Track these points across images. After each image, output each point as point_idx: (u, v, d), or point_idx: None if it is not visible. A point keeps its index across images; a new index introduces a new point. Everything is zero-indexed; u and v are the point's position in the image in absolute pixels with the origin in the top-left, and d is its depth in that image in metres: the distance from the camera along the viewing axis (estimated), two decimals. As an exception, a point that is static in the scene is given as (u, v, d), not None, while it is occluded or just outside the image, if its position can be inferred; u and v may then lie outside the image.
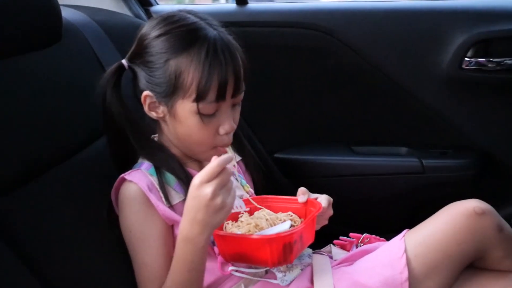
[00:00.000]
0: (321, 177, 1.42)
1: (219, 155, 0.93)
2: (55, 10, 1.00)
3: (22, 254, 0.75)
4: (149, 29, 0.89)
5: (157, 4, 1.51)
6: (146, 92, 0.89)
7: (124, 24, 1.31)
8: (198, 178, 0.75)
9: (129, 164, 0.95)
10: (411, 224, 0.99)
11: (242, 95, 0.92)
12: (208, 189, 0.74)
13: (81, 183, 0.93)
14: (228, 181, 0.77)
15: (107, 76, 0.91)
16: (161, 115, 0.90)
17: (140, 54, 0.89)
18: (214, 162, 0.75)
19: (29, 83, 0.91)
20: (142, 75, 0.89)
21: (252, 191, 1.08)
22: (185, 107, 0.86)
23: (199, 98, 0.84)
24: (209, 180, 0.75)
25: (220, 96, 0.85)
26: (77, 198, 0.90)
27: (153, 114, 0.91)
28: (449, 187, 1.34)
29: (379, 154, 1.40)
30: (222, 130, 0.89)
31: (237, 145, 1.11)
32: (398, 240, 0.92)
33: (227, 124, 0.89)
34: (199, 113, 0.85)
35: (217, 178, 0.75)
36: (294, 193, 0.97)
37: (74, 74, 1.04)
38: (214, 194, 0.74)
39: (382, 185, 1.37)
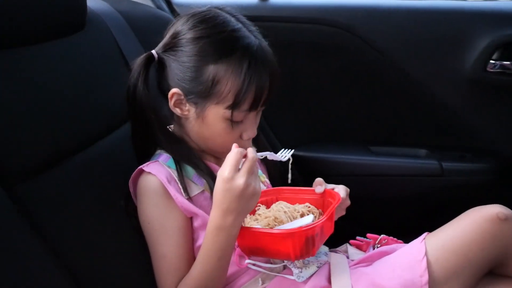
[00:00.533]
0: (337, 175, 1.41)
1: None
2: (79, -3, 1.00)
3: (44, 239, 0.76)
4: (186, 28, 0.88)
5: (180, -5, 1.50)
6: (175, 90, 0.88)
7: (147, 15, 1.31)
8: (226, 170, 0.76)
9: (148, 156, 0.95)
10: (428, 227, 0.98)
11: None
12: (241, 180, 0.76)
13: (100, 171, 0.93)
14: (255, 168, 0.78)
15: (137, 67, 0.90)
16: (186, 113, 0.90)
17: (174, 50, 0.89)
18: (235, 150, 0.77)
19: (51, 70, 0.92)
20: (173, 71, 0.89)
21: (268, 181, 1.08)
22: (217, 112, 0.87)
23: (234, 106, 0.85)
24: (237, 170, 0.76)
25: (254, 106, 0.87)
26: (97, 186, 0.90)
27: (177, 111, 0.91)
28: (468, 191, 1.33)
29: (397, 155, 1.39)
30: (245, 136, 0.90)
31: (256, 143, 1.11)
32: (418, 243, 0.91)
33: (251, 131, 0.91)
34: (231, 120, 0.86)
35: (245, 167, 0.76)
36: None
37: (96, 63, 1.04)
38: (247, 184, 0.76)
39: (400, 186, 1.35)
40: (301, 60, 1.44)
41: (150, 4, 1.42)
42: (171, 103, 0.90)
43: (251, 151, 0.79)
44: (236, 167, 0.76)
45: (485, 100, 1.34)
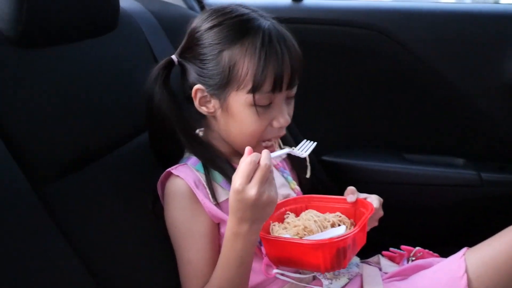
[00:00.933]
0: (370, 183, 1.36)
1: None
2: (112, -3, 1.00)
3: (69, 239, 0.75)
4: (200, 22, 0.88)
5: (212, -4, 1.49)
6: (197, 86, 0.87)
7: (178, 15, 1.30)
8: (237, 181, 0.73)
9: (173, 158, 0.93)
10: (465, 240, 0.93)
11: (296, 88, 0.89)
12: (252, 191, 0.72)
13: (127, 173, 0.92)
14: (268, 175, 0.74)
15: (155, 72, 0.90)
16: (212, 110, 0.88)
17: (191, 48, 0.88)
18: (247, 159, 0.73)
19: (83, 70, 0.91)
20: (192, 68, 0.88)
21: (298, 188, 1.05)
22: (239, 99, 0.84)
23: (255, 89, 0.82)
24: (248, 180, 0.72)
25: (276, 87, 0.83)
26: (123, 188, 0.89)
27: (203, 109, 0.89)
28: (508, 203, 1.26)
29: (433, 163, 1.33)
30: (276, 123, 0.87)
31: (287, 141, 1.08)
32: (458, 258, 0.86)
33: (282, 118, 0.87)
34: (255, 104, 0.83)
35: (257, 177, 0.72)
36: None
37: (127, 63, 1.04)
38: (260, 193, 0.72)
39: (436, 196, 1.30)
40: (334, 63, 1.40)
41: (182, 4, 1.42)
42: (196, 103, 0.89)
43: (264, 158, 0.73)
44: (247, 178, 0.72)
45: (527, 108, 1.28)
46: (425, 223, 1.34)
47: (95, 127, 0.88)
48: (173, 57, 0.91)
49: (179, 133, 0.90)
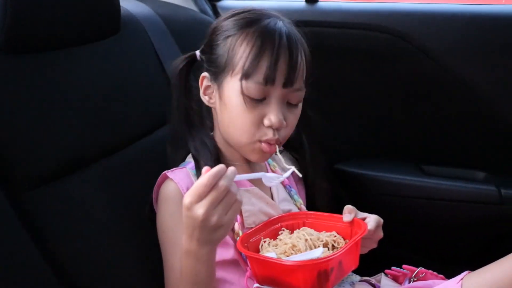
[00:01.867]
0: (383, 195, 1.30)
1: (263, 155, 0.88)
2: (113, 2, 1.00)
3: (46, 250, 0.75)
4: (221, 19, 0.89)
5: (225, -1, 1.47)
6: (204, 74, 0.88)
7: (188, 19, 1.29)
8: (187, 197, 0.68)
9: (180, 158, 0.93)
10: (479, 261, 0.86)
11: (299, 94, 0.85)
12: (199, 211, 0.67)
13: (122, 181, 0.91)
14: (224, 197, 0.69)
15: (176, 64, 0.92)
16: (213, 100, 0.88)
17: (208, 40, 0.89)
18: (203, 178, 0.67)
19: (79, 75, 0.91)
20: (205, 59, 0.89)
21: (303, 207, 1.00)
22: (231, 86, 0.83)
23: (245, 76, 0.80)
24: (199, 200, 0.68)
25: (268, 80, 0.80)
26: (115, 197, 0.88)
27: (206, 99, 0.90)
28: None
29: (452, 176, 1.25)
30: (266, 121, 0.83)
31: (298, 152, 1.04)
32: (455, 283, 0.80)
33: (273, 116, 0.82)
34: (243, 94, 0.81)
35: (208, 197, 0.67)
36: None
37: (128, 68, 1.03)
38: (207, 215, 0.68)
39: (452, 212, 1.22)
40: (350, 68, 1.34)
41: (193, 7, 1.41)
42: (201, 91, 0.89)
43: (225, 178, 0.68)
44: (198, 196, 0.67)
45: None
46: (438, 239, 1.26)
47: (87, 134, 0.88)
48: (197, 52, 0.92)
49: (184, 126, 0.90)
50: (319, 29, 1.32)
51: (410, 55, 1.25)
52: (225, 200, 0.69)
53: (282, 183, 1.00)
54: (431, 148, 1.32)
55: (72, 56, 0.92)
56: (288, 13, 1.33)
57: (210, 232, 0.70)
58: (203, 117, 0.94)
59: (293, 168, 0.86)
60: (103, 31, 1.00)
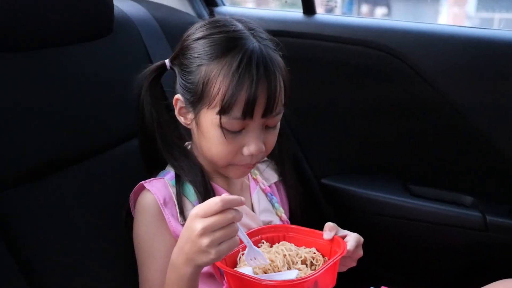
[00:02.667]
0: (368, 213, 1.29)
1: (241, 174, 0.88)
2: (107, 3, 0.99)
3: (18, 254, 0.73)
4: (193, 30, 0.86)
5: (224, 5, 1.46)
6: (177, 96, 0.86)
7: (183, 23, 1.27)
8: (196, 208, 0.70)
9: (158, 167, 0.92)
10: (460, 285, 0.85)
11: (278, 118, 0.83)
12: (199, 225, 0.68)
13: (97, 187, 0.90)
14: (225, 226, 0.69)
15: (145, 73, 0.89)
16: (189, 122, 0.86)
17: (180, 56, 0.86)
18: (218, 198, 0.68)
19: (66, 75, 0.90)
20: (178, 76, 0.86)
21: (285, 216, 1.00)
22: (208, 118, 0.80)
23: (222, 111, 0.78)
24: (204, 216, 0.68)
25: (247, 114, 0.78)
26: (89, 204, 0.87)
27: (181, 119, 0.87)
28: (513, 253, 1.15)
29: (438, 199, 1.24)
30: (246, 151, 0.82)
31: (280, 163, 1.04)
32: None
33: (253, 146, 0.81)
34: (221, 127, 0.79)
35: (213, 217, 0.68)
36: (335, 223, 0.88)
37: (119, 70, 1.02)
38: (203, 232, 0.68)
39: (435, 235, 1.21)
40: (343, 83, 1.33)
41: (191, 11, 1.40)
42: (176, 111, 0.87)
43: (237, 212, 0.69)
44: (205, 211, 0.68)
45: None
46: (420, 261, 1.25)
47: (68, 135, 0.87)
48: (166, 61, 0.89)
49: (158, 137, 0.88)
50: (314, 42, 1.31)
51: (403, 74, 1.24)
52: (226, 230, 0.69)
53: (264, 190, 1.00)
54: (419, 168, 1.31)
55: (59, 56, 0.90)
56: (284, 23, 1.34)
57: (198, 252, 0.70)
58: (178, 129, 0.92)
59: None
60: (95, 31, 0.99)
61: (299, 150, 1.38)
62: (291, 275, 0.76)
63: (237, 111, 0.77)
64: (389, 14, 2.71)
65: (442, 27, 1.26)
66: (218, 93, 0.78)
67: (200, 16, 1.40)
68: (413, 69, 1.23)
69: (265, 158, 1.00)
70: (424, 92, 1.23)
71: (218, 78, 0.78)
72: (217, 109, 0.78)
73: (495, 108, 1.19)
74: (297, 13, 1.36)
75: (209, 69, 0.79)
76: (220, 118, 0.78)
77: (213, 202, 0.68)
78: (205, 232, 0.68)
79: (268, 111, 0.79)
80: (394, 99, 1.28)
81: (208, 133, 0.82)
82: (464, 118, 1.21)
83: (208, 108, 0.80)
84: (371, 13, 2.61)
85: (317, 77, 1.32)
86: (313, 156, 1.38)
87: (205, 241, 0.68)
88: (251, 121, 0.79)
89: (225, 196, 0.69)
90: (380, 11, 2.78)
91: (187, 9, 1.40)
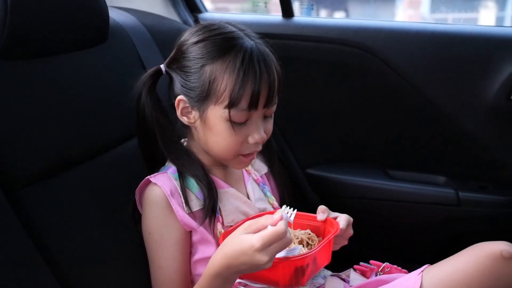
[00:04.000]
0: (352, 198, 1.39)
1: (244, 164, 0.95)
2: (103, 11, 1.04)
3: (42, 246, 0.78)
4: (188, 36, 0.92)
5: (206, 11, 1.54)
6: (180, 97, 0.90)
7: (171, 29, 1.34)
8: (260, 241, 0.73)
9: (158, 164, 0.97)
10: (439, 258, 0.95)
11: (274, 107, 0.92)
12: (265, 258, 0.73)
13: (107, 182, 0.95)
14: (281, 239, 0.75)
15: (143, 79, 0.94)
16: (192, 121, 0.92)
17: (178, 60, 0.92)
18: (279, 229, 0.73)
19: (68, 80, 0.95)
20: (177, 79, 0.91)
21: (276, 204, 1.08)
22: (216, 113, 0.87)
23: (231, 105, 0.85)
24: (268, 246, 0.73)
25: (252, 105, 0.86)
26: (101, 198, 0.92)
27: (184, 119, 0.93)
28: (486, 225, 1.27)
29: (414, 181, 1.35)
30: (251, 139, 0.89)
31: (268, 155, 1.11)
32: (415, 275, 0.88)
33: (257, 134, 0.89)
34: (230, 120, 0.86)
35: (277, 247, 0.74)
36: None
37: (115, 75, 1.07)
38: (269, 261, 0.74)
39: (414, 213, 1.32)
40: (322, 79, 1.43)
41: (176, 18, 1.46)
42: (178, 112, 0.92)
43: (288, 231, 0.75)
44: (270, 244, 0.73)
45: (508, 129, 1.29)
46: (402, 238, 1.35)
47: (75, 136, 0.92)
48: (162, 66, 0.95)
49: (159, 137, 0.94)
50: (294, 42, 1.41)
51: (376, 68, 1.35)
52: (281, 243, 0.75)
53: (256, 181, 1.07)
54: (396, 154, 1.41)
55: (63, 62, 0.95)
56: (265, 26, 1.43)
57: (255, 266, 0.75)
58: (174, 128, 0.98)
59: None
60: (93, 39, 1.03)
61: (284, 143, 1.46)
62: (295, 251, 0.83)
63: (244, 103, 0.85)
64: (347, 17, 2.78)
65: (410, 24, 1.38)
66: (225, 89, 0.85)
67: (185, 22, 1.47)
68: (386, 63, 1.34)
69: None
70: (396, 84, 1.34)
71: (225, 75, 0.85)
72: (225, 103, 0.85)
73: (459, 95, 1.30)
74: (276, 16, 1.45)
75: (214, 68, 0.86)
76: (229, 112, 0.86)
77: (275, 235, 0.73)
78: (270, 259, 0.73)
79: (269, 101, 0.88)
80: (370, 91, 1.39)
81: (216, 127, 0.88)
82: (433, 106, 1.32)
83: (215, 104, 0.87)
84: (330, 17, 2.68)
85: (298, 74, 1.41)
86: (297, 148, 1.47)
87: (269, 264, 0.74)
88: (255, 111, 0.87)
89: (282, 225, 0.73)
90: (339, 14, 2.82)
91: (172, 16, 1.46)
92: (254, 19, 1.53)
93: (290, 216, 0.87)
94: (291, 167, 1.46)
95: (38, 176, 0.84)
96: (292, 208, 0.89)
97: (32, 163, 0.83)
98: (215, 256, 0.80)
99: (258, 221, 0.76)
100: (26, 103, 0.86)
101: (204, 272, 0.82)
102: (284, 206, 0.89)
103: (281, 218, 0.74)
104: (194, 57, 0.88)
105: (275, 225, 0.74)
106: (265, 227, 0.75)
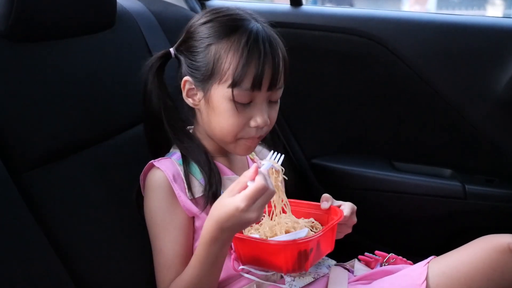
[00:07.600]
0: (357, 189, 1.39)
1: (247, 150, 0.94)
2: (110, -4, 1.03)
3: (48, 228, 0.79)
4: (197, 19, 0.92)
5: (214, -2, 1.53)
6: (186, 77, 0.91)
7: (178, 16, 1.34)
8: (243, 201, 0.74)
9: (163, 150, 0.97)
10: (444, 251, 0.94)
11: (280, 92, 0.91)
12: (254, 214, 0.74)
13: (113, 167, 0.95)
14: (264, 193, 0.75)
15: (151, 61, 0.94)
16: (197, 102, 0.92)
17: (186, 41, 0.92)
18: (259, 184, 0.74)
19: (76, 64, 0.95)
20: (184, 61, 0.92)
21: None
22: (220, 92, 0.87)
23: (234, 84, 0.85)
24: (253, 203, 0.74)
25: (256, 85, 0.85)
26: (106, 182, 0.92)
27: (189, 101, 0.93)
28: (492, 218, 1.26)
29: (421, 173, 1.34)
30: (253, 123, 0.89)
31: (273, 144, 1.11)
32: (421, 266, 0.88)
33: (260, 117, 0.88)
34: (234, 100, 0.86)
35: (262, 201, 0.75)
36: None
37: (122, 60, 1.07)
38: (257, 217, 0.75)
39: (420, 205, 1.31)
40: (330, 69, 1.42)
41: (184, 5, 1.45)
42: (184, 94, 0.92)
43: (269, 183, 0.76)
44: (254, 201, 0.74)
45: (517, 123, 1.28)
46: (407, 230, 1.35)
47: (81, 120, 0.92)
48: (171, 50, 0.95)
49: (165, 120, 0.94)
50: (302, 31, 1.40)
51: (384, 58, 1.33)
52: (265, 197, 0.75)
53: None
54: (402, 146, 1.40)
55: (69, 46, 0.95)
56: (273, 15, 1.42)
57: (248, 225, 0.79)
58: (180, 113, 0.98)
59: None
60: (100, 24, 1.04)
61: (290, 133, 1.46)
62: (302, 233, 0.83)
63: (247, 82, 0.85)
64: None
65: (420, 15, 1.37)
66: (229, 67, 0.85)
67: (193, 9, 1.46)
68: (394, 53, 1.33)
69: (259, 142, 1.07)
70: (405, 74, 1.33)
71: (229, 54, 0.85)
72: (229, 82, 0.85)
73: (468, 87, 1.29)
74: (284, 5, 1.44)
75: (219, 47, 0.86)
76: (232, 91, 0.85)
77: (256, 192, 0.73)
78: (258, 216, 0.75)
79: (273, 84, 0.87)
80: (377, 82, 1.38)
81: (219, 107, 0.88)
82: (441, 97, 1.31)
83: (219, 83, 0.86)
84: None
85: (305, 64, 1.41)
86: (303, 138, 1.47)
87: (257, 219, 0.75)
88: (258, 93, 0.86)
89: (260, 179, 0.74)
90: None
91: (180, 3, 1.45)
92: (262, 7, 1.51)
93: (278, 162, 0.87)
94: (296, 156, 1.45)
95: (44, 159, 0.84)
96: (278, 154, 0.89)
97: (39, 146, 0.84)
98: (206, 223, 0.80)
99: (239, 181, 0.77)
100: (33, 86, 0.86)
101: (200, 241, 0.82)
102: (271, 152, 0.89)
103: (257, 172, 0.75)
104: (201, 37, 0.89)
105: (253, 180, 0.75)
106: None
